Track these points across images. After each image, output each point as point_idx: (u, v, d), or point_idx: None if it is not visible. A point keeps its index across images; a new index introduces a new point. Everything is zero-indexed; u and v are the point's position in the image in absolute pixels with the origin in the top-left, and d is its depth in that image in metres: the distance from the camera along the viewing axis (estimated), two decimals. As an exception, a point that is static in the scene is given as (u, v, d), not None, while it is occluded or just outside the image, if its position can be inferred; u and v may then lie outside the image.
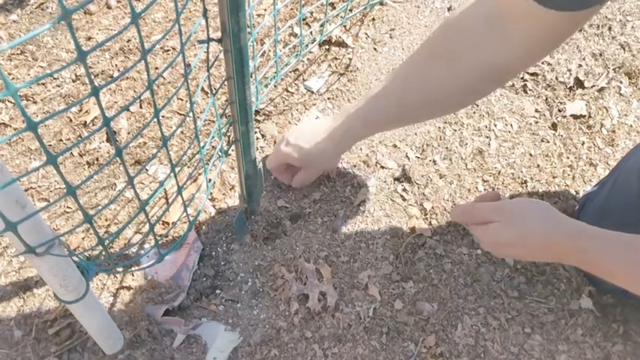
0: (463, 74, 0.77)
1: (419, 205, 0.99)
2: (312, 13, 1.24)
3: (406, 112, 0.86)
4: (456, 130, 1.08)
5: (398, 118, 0.88)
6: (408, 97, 0.83)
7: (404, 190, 1.01)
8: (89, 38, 1.18)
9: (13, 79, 1.12)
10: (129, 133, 1.06)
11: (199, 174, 1.02)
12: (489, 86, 0.83)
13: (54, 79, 1.13)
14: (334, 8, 1.23)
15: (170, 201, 0.98)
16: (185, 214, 0.80)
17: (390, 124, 0.94)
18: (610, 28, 1.23)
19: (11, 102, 1.09)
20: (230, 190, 1.01)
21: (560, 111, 1.11)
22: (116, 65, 1.14)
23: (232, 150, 0.85)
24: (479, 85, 0.79)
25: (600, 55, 1.18)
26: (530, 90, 1.14)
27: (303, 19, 1.23)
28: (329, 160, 0.97)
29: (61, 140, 1.04)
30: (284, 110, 1.11)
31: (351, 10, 1.20)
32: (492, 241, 0.76)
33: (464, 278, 0.92)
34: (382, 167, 1.03)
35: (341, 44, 1.20)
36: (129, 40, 1.18)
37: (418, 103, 0.83)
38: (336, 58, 1.18)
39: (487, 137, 1.08)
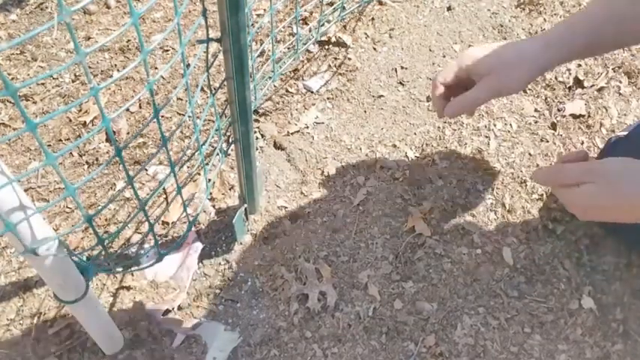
0: None
1: (418, 204, 0.99)
2: (311, 13, 1.24)
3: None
4: (455, 130, 1.08)
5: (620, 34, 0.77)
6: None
7: (403, 189, 1.01)
8: (88, 38, 1.18)
9: (12, 78, 1.12)
10: (128, 133, 1.06)
11: (199, 174, 1.02)
12: None
13: (53, 79, 1.13)
14: (332, 6, 1.23)
15: (170, 201, 0.98)
16: (185, 214, 0.80)
17: (615, 30, 0.79)
18: (609, 28, 1.23)
19: (11, 102, 1.09)
20: (230, 189, 1.01)
21: (559, 110, 1.11)
22: (115, 65, 1.14)
23: (232, 150, 0.85)
24: None
25: (600, 54, 1.19)
26: (529, 89, 1.14)
27: (303, 19, 1.23)
28: (524, 73, 0.77)
29: (60, 140, 1.04)
30: (283, 110, 1.11)
31: (344, 8, 1.19)
32: (585, 204, 0.70)
33: (463, 278, 0.92)
34: (382, 167, 1.03)
35: (340, 44, 1.20)
36: (128, 40, 1.17)
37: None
38: (335, 58, 1.18)
39: (486, 137, 1.08)
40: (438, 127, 1.08)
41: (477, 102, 0.80)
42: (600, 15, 0.77)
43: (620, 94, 1.14)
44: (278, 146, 1.06)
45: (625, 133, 0.97)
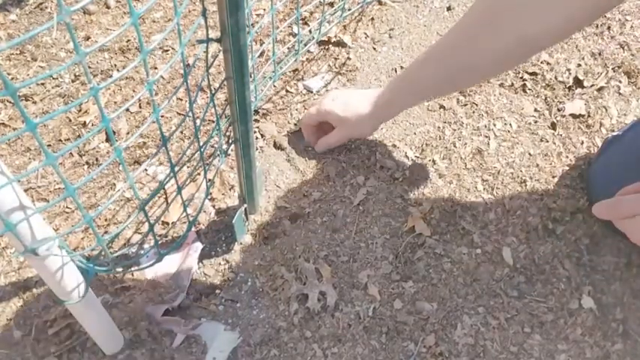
0: (506, 37, 0.79)
1: (418, 204, 0.99)
2: (311, 12, 1.24)
3: (453, 76, 0.88)
4: (455, 130, 1.08)
5: (444, 82, 0.90)
6: (455, 60, 0.85)
7: (403, 189, 1.01)
8: (88, 38, 1.18)
9: (12, 78, 1.12)
10: (128, 133, 1.06)
11: (199, 174, 1.02)
12: (524, 54, 0.85)
13: (53, 78, 1.13)
14: (332, 7, 1.23)
15: (170, 201, 0.98)
16: (185, 214, 0.80)
17: (435, 90, 0.95)
18: (609, 28, 1.23)
19: (10, 102, 1.09)
20: (230, 189, 1.01)
21: (559, 110, 1.11)
22: (115, 65, 1.14)
23: (232, 150, 0.85)
24: (515, 51, 0.81)
25: (599, 54, 1.18)
26: (529, 89, 1.14)
27: (302, 19, 1.23)
28: (367, 126, 0.99)
29: (60, 140, 1.04)
30: (283, 109, 1.11)
31: (349, 9, 1.19)
32: None
33: (463, 278, 0.92)
34: (381, 167, 1.03)
35: (340, 44, 1.20)
36: (128, 40, 1.17)
37: (465, 66, 0.85)
38: (335, 58, 1.18)
39: (486, 137, 1.08)
40: (438, 127, 1.08)
41: (336, 144, 1.03)
42: (424, 75, 0.91)
43: (620, 93, 1.14)
44: (278, 146, 1.06)
45: (620, 132, 0.98)
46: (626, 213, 0.75)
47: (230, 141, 0.82)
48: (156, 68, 1.14)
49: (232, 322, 0.88)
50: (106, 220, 0.96)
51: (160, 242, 0.93)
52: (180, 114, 1.09)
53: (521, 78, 1.16)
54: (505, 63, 0.87)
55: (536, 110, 1.12)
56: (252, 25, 1.19)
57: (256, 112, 1.10)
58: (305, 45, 1.15)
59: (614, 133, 1.00)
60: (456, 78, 0.89)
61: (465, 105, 1.11)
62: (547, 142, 1.08)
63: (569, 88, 1.14)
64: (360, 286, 0.91)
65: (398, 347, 0.86)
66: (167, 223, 0.96)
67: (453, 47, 0.86)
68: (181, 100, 1.11)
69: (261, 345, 0.86)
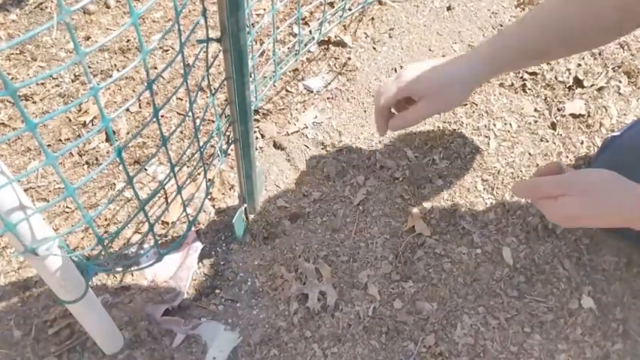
0: (601, 12, 0.77)
1: (418, 204, 0.99)
2: (311, 12, 1.24)
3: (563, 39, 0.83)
4: (455, 130, 1.08)
5: (551, 46, 0.85)
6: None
7: (403, 189, 1.01)
8: (88, 38, 1.18)
9: (12, 78, 1.12)
10: (128, 132, 1.06)
11: (199, 174, 1.02)
12: (629, 25, 0.82)
13: (53, 78, 1.12)
14: (332, 7, 1.23)
15: (169, 201, 0.98)
16: (185, 213, 0.80)
17: (542, 56, 0.89)
18: (609, 28, 1.23)
19: (10, 102, 1.09)
20: (229, 189, 1.01)
21: (559, 110, 1.11)
22: (115, 65, 1.14)
23: (232, 150, 0.85)
24: (619, 24, 0.79)
25: (599, 54, 1.18)
26: (529, 89, 1.14)
27: (303, 19, 1.23)
28: (458, 93, 0.85)
29: (60, 140, 1.04)
30: (283, 109, 1.11)
31: (349, 10, 1.19)
32: (564, 215, 0.75)
33: (463, 278, 0.92)
34: (381, 167, 1.03)
35: (340, 44, 1.20)
36: (128, 40, 1.17)
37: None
38: (335, 58, 1.18)
39: (486, 137, 1.08)
40: (438, 127, 1.08)
41: (417, 121, 0.88)
42: (532, 30, 0.84)
43: (619, 93, 1.14)
44: (278, 146, 1.06)
45: (619, 132, 0.98)
46: (543, 194, 0.76)
47: (230, 141, 0.82)
48: (156, 68, 1.14)
49: (232, 321, 0.88)
50: (106, 219, 0.96)
51: (159, 242, 0.93)
52: (180, 114, 1.09)
53: (521, 78, 1.16)
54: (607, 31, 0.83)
55: (536, 110, 1.12)
56: (252, 25, 1.19)
57: (256, 112, 1.10)
58: (305, 45, 1.15)
59: (614, 133, 1.00)
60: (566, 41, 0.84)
61: (465, 105, 1.11)
62: (547, 141, 1.08)
63: (569, 87, 1.14)
64: (360, 286, 0.91)
65: (398, 347, 0.86)
66: (167, 223, 0.96)
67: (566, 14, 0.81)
68: (181, 100, 1.11)
69: (261, 345, 0.86)
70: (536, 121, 1.10)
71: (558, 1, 0.83)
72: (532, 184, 0.79)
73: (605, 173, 0.75)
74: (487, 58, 0.85)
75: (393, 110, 0.91)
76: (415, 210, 0.98)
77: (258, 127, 1.08)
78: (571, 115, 1.10)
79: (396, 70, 1.17)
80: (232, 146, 0.82)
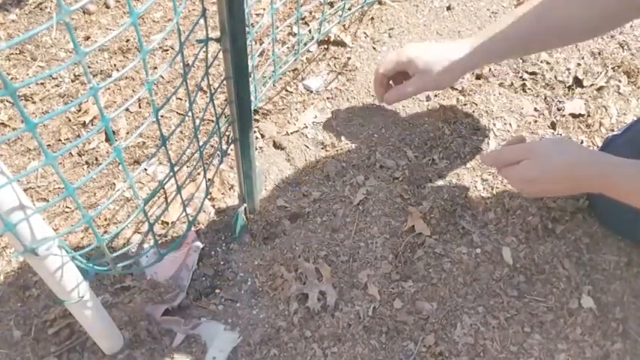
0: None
1: (418, 204, 0.99)
2: (311, 12, 1.24)
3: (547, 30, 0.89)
4: (455, 130, 1.08)
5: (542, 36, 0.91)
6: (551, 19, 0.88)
7: (403, 189, 1.01)
8: (88, 38, 1.18)
9: (11, 78, 1.12)
10: (128, 132, 1.06)
11: (198, 173, 1.02)
12: (629, 14, 0.86)
13: (52, 78, 1.12)
14: (332, 7, 1.23)
15: (169, 201, 0.98)
16: (184, 213, 0.80)
17: (531, 44, 0.94)
18: (609, 27, 1.24)
19: (10, 102, 1.09)
20: (229, 189, 1.01)
21: (559, 110, 1.11)
22: (115, 65, 1.14)
23: (231, 149, 0.85)
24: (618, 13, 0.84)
25: (599, 53, 1.18)
26: (529, 89, 1.14)
27: (302, 18, 1.23)
28: (449, 75, 0.94)
29: (59, 140, 1.04)
30: (283, 109, 1.11)
31: (349, 9, 1.19)
32: (520, 179, 0.82)
33: (463, 277, 0.92)
34: (381, 167, 1.03)
35: (340, 43, 1.20)
36: (127, 40, 1.17)
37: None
38: (335, 58, 1.18)
39: (486, 136, 1.08)
40: (438, 127, 1.08)
41: (412, 94, 0.99)
42: (530, 22, 0.89)
43: (619, 93, 1.14)
44: (278, 146, 1.06)
45: (619, 132, 0.98)
46: (507, 160, 0.83)
47: (230, 141, 0.82)
48: (155, 68, 1.14)
49: (232, 321, 0.88)
50: (105, 219, 0.96)
51: (159, 242, 0.93)
52: (180, 114, 1.09)
53: (521, 77, 1.16)
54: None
55: (535, 110, 1.12)
56: (251, 25, 1.19)
57: (256, 112, 1.10)
58: (305, 45, 1.15)
59: (614, 133, 1.00)
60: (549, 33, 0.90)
61: (465, 104, 1.11)
62: (547, 141, 1.08)
63: (569, 87, 1.14)
64: (359, 286, 0.91)
65: (398, 347, 0.86)
66: (167, 223, 0.96)
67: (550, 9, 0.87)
68: (181, 100, 1.11)
69: (261, 344, 0.86)
70: (535, 121, 1.10)
71: None
72: (497, 152, 0.87)
73: (557, 139, 0.83)
74: (483, 48, 0.92)
75: (391, 82, 1.01)
76: (415, 210, 0.98)
77: (258, 127, 1.08)
78: (571, 114, 1.10)
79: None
80: (232, 146, 0.82)
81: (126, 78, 1.12)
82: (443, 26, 1.24)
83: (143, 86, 1.11)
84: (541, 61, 1.17)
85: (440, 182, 1.02)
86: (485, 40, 0.92)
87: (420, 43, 0.98)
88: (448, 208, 0.99)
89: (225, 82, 0.70)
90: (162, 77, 1.13)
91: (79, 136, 1.05)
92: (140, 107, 1.09)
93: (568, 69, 1.16)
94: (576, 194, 1.00)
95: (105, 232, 0.95)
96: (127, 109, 1.09)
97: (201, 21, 0.58)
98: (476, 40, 0.93)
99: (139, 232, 0.95)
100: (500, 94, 1.13)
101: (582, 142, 1.07)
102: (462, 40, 0.95)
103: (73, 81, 1.12)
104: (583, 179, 0.79)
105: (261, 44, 1.18)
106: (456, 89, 1.13)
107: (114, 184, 1.00)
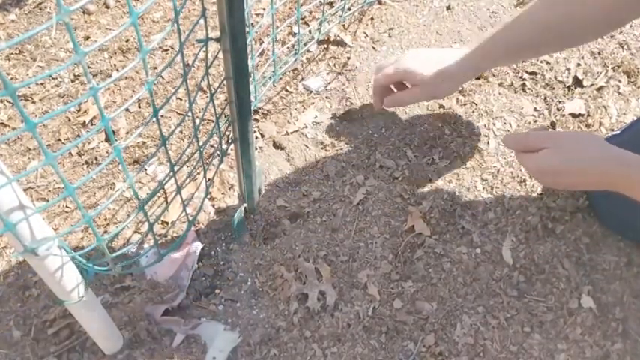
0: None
1: (418, 204, 0.99)
2: (311, 12, 1.24)
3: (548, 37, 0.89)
4: (455, 130, 1.08)
5: (539, 42, 0.91)
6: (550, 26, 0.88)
7: (403, 189, 1.01)
8: (87, 38, 1.18)
9: (11, 78, 1.12)
10: (128, 132, 1.06)
11: (198, 173, 1.02)
12: (628, 15, 0.86)
13: (52, 78, 1.12)
14: (332, 7, 1.23)
15: (169, 200, 0.98)
16: (184, 213, 0.80)
17: (529, 51, 0.96)
18: (609, 27, 1.23)
19: (9, 102, 1.09)
20: (229, 189, 1.01)
21: (558, 110, 1.11)
22: (115, 65, 1.14)
23: (231, 149, 0.85)
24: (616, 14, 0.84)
25: (599, 53, 1.18)
26: (528, 89, 1.14)
27: (302, 18, 1.23)
28: (447, 84, 0.96)
29: (59, 140, 1.04)
30: (283, 109, 1.11)
31: (349, 9, 1.19)
32: (539, 168, 0.80)
33: (463, 277, 0.92)
34: (381, 166, 1.03)
35: (340, 43, 1.20)
36: (127, 40, 1.17)
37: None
38: (334, 57, 1.18)
39: (486, 136, 1.08)
40: (438, 127, 1.08)
41: (410, 103, 1.05)
42: (520, 31, 0.90)
43: (619, 93, 1.14)
44: (277, 146, 1.06)
45: (618, 132, 0.98)
46: (529, 145, 0.82)
47: (230, 141, 0.82)
48: (155, 68, 1.14)
49: (232, 321, 0.88)
50: (105, 219, 0.96)
51: (159, 242, 0.93)
52: (180, 114, 1.09)
53: (521, 77, 1.16)
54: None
55: (535, 110, 1.12)
56: (251, 25, 1.19)
57: (256, 112, 1.10)
58: (305, 45, 1.15)
59: (614, 133, 1.00)
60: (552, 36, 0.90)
61: (465, 104, 1.11)
62: (546, 141, 1.08)
63: (569, 87, 1.14)
64: (359, 286, 0.91)
65: (397, 347, 0.86)
66: (167, 223, 0.96)
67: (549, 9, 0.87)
68: (181, 100, 1.11)
69: (260, 344, 0.86)
70: (535, 121, 1.10)
71: None
72: (522, 135, 0.85)
73: (583, 133, 0.81)
74: (483, 55, 0.93)
75: (392, 86, 1.02)
76: (415, 210, 0.98)
77: (257, 126, 1.08)
78: (570, 114, 1.10)
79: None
80: (232, 146, 0.82)
81: (126, 78, 1.12)
82: (443, 26, 1.24)
83: (143, 86, 1.11)
84: (541, 61, 1.17)
85: (440, 182, 1.02)
86: (484, 48, 0.92)
87: (418, 51, 0.98)
88: (448, 208, 0.99)
89: (225, 82, 0.70)
90: (162, 77, 1.13)
91: (78, 136, 1.05)
92: (140, 107, 1.09)
93: (568, 69, 1.16)
94: (576, 194, 1.00)
95: (105, 232, 0.95)
96: (127, 109, 1.09)
97: (201, 21, 0.58)
98: (474, 53, 0.93)
99: (138, 232, 0.95)
100: (500, 94, 1.13)
101: (582, 142, 1.07)
102: (460, 50, 0.95)
103: (72, 81, 1.12)
104: (607, 178, 0.77)
105: (261, 44, 1.18)
106: (456, 89, 1.13)
107: (114, 184, 1.00)
